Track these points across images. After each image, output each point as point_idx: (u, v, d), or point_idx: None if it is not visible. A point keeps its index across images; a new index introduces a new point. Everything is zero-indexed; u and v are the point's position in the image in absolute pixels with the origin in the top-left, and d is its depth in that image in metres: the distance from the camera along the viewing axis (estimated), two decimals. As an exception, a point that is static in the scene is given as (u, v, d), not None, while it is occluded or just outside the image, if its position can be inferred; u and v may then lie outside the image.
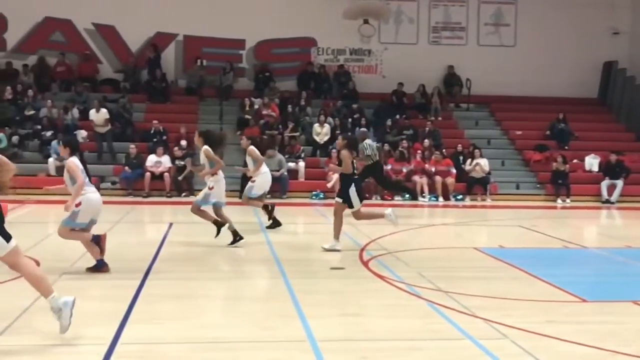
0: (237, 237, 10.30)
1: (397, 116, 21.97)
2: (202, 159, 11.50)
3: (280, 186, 18.54)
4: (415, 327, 6.28)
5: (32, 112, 20.29)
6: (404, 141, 20.28)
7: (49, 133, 19.54)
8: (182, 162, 18.73)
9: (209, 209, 10.64)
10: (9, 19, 22.63)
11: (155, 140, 19.67)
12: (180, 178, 16.92)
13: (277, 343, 5.76)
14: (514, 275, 8.73)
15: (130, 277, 8.02)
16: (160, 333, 5.90)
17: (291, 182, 18.95)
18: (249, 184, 12.62)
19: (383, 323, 6.38)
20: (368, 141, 15.26)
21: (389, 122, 21.40)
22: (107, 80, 22.94)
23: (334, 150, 19.73)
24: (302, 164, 19.63)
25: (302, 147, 20.25)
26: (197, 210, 10.55)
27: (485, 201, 19.30)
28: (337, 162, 10.61)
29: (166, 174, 18.41)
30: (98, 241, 8.32)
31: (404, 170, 19.42)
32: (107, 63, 23.18)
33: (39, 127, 19.81)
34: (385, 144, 20.20)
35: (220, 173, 10.62)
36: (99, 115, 19.90)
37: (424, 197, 18.94)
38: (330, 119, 21.20)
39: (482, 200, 19.33)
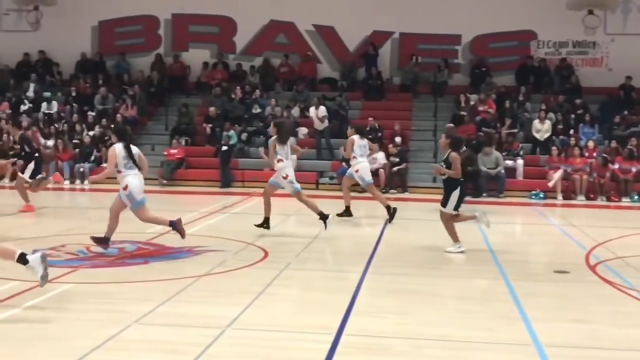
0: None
1: (625, 112, 20.54)
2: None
3: (497, 185, 18.07)
4: (651, 338, 5.85)
5: (258, 110, 21.60)
6: (633, 138, 18.91)
7: (273, 130, 20.66)
8: (397, 159, 18.93)
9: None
10: (238, 24, 24.19)
11: (370, 137, 19.96)
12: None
13: (501, 345, 5.63)
14: None
15: (351, 270, 8.26)
16: (383, 327, 6.00)
17: (508, 180, 18.38)
18: (355, 175, 12.97)
19: (614, 332, 6.04)
20: None
21: (616, 119, 20.06)
22: (325, 79, 23.79)
23: (554, 148, 18.92)
24: (520, 161, 18.98)
25: (520, 145, 19.54)
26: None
27: None
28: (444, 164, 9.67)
29: (381, 170, 18.66)
30: (175, 226, 9.01)
31: (633, 169, 18.08)
32: (326, 63, 24.00)
33: (262, 124, 21.00)
34: (612, 141, 19.00)
35: (286, 160, 10.82)
36: (317, 113, 20.72)
37: (655, 198, 17.54)
38: (551, 115, 20.30)
39: None
